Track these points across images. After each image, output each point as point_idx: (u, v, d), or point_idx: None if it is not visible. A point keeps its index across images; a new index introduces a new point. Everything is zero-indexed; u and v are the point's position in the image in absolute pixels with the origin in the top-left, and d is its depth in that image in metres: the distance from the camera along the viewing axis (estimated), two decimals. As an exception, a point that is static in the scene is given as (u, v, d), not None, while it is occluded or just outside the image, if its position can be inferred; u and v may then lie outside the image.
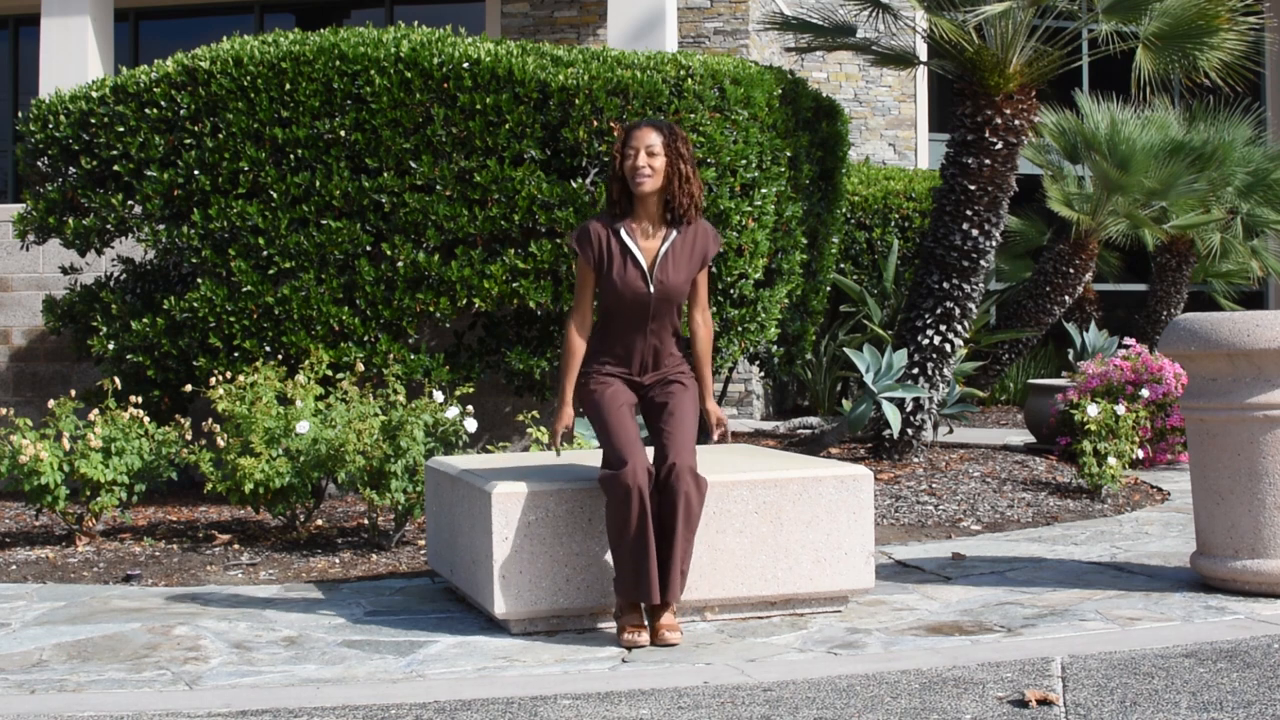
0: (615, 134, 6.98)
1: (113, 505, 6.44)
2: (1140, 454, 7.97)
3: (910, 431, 8.47)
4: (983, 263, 8.45)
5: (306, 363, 6.71)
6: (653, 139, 4.48)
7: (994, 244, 8.52)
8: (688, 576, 4.48)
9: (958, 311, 8.45)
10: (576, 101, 7.01)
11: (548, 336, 7.35)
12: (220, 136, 7.18)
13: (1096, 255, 11.82)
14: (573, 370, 4.57)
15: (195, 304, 7.16)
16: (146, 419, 6.56)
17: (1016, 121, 8.42)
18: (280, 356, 7.16)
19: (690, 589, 4.60)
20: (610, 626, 4.58)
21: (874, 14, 9.08)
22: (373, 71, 7.10)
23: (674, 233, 4.51)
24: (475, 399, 7.73)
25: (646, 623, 4.40)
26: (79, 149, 7.45)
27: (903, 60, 9.40)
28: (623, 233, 4.49)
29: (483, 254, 7.07)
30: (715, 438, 4.69)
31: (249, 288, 7.11)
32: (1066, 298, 11.55)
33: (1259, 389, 4.83)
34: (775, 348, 8.85)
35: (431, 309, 7.11)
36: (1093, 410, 7.48)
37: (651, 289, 4.46)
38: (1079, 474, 7.53)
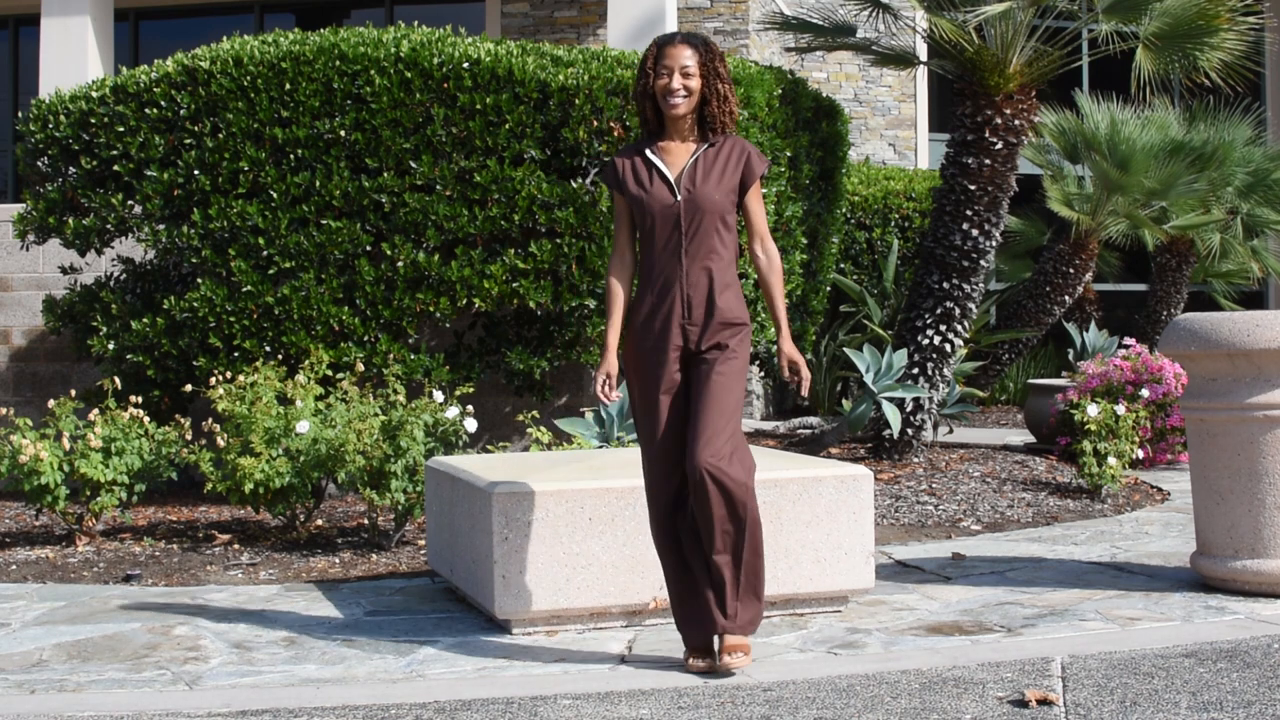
0: (616, 135, 6.97)
1: (113, 505, 6.44)
2: (1140, 454, 7.97)
3: (910, 431, 8.47)
4: (983, 263, 8.45)
5: (306, 363, 6.71)
6: (688, 58, 4.12)
7: (994, 244, 8.52)
8: (754, 597, 4.07)
9: (958, 311, 8.45)
10: (576, 101, 7.01)
11: (548, 336, 7.35)
12: (220, 136, 7.18)
13: (1096, 255, 11.82)
14: (615, 316, 4.21)
15: (195, 304, 7.16)
16: (146, 419, 6.56)
17: (1016, 121, 8.41)
18: (280, 356, 7.16)
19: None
20: (610, 625, 4.58)
21: (874, 14, 9.08)
22: (373, 71, 7.10)
23: (704, 145, 4.21)
24: (475, 399, 7.72)
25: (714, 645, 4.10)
26: (79, 149, 7.45)
27: (903, 60, 9.40)
28: (647, 152, 4.22)
29: (483, 254, 7.07)
30: (791, 387, 4.33)
31: (249, 288, 7.11)
32: (1066, 298, 11.55)
33: (1259, 389, 4.83)
34: (775, 347, 8.84)
35: (431, 309, 7.11)
36: (1093, 410, 7.48)
37: (679, 198, 4.12)
38: (1079, 474, 7.53)
